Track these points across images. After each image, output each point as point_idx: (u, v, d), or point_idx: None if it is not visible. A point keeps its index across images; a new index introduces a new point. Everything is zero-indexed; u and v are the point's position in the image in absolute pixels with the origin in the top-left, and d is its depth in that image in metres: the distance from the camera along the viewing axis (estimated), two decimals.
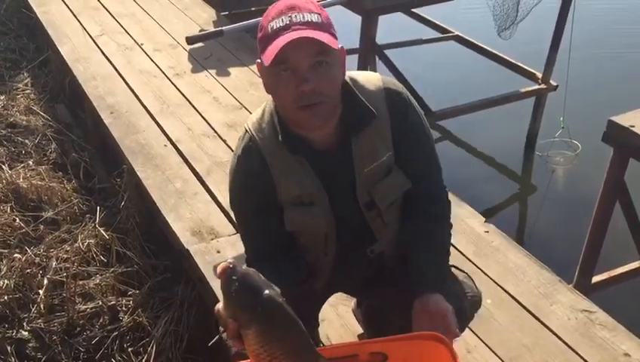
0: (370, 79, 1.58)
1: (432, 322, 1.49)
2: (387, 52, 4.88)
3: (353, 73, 1.58)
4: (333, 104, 1.48)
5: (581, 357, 2.10)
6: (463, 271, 1.80)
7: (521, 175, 4.97)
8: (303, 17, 1.40)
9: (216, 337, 1.40)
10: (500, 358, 2.11)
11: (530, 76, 4.82)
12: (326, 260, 1.67)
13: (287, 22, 1.39)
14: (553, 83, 4.73)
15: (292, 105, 1.43)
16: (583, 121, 4.72)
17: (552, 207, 4.54)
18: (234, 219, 1.69)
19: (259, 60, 1.47)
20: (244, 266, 1.27)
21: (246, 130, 1.59)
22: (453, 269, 1.77)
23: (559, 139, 4.56)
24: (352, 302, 2.22)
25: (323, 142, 1.54)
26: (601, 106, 4.98)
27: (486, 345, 2.15)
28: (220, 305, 1.29)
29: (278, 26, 1.40)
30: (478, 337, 2.17)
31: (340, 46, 1.44)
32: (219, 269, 1.25)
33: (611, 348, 2.13)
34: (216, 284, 2.40)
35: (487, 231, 2.67)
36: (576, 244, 3.75)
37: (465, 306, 1.69)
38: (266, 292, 1.23)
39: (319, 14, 1.42)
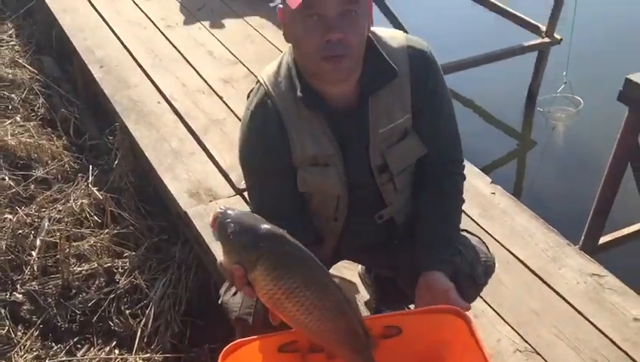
0: (395, 36, 1.51)
1: (435, 300, 1.45)
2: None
3: (377, 29, 1.50)
4: (358, 58, 1.40)
5: (591, 323, 2.06)
6: (476, 236, 1.75)
7: (521, 131, 4.88)
8: None
9: (221, 298, 1.34)
10: (508, 324, 2.07)
11: (534, 29, 4.67)
12: (335, 225, 1.61)
13: None
14: (557, 36, 4.58)
15: (315, 56, 1.34)
16: (586, 77, 4.61)
17: (551, 163, 4.47)
18: (243, 176, 1.60)
19: (281, 5, 1.38)
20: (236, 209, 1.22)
21: (260, 84, 1.49)
22: (465, 234, 1.72)
23: (561, 95, 4.46)
24: (358, 266, 2.15)
25: (341, 100, 1.46)
26: (604, 62, 4.90)
27: (494, 309, 2.11)
28: (221, 259, 1.23)
29: None
30: (486, 302, 2.13)
31: None
32: (211, 218, 1.20)
33: (621, 313, 2.10)
34: (216, 247, 2.33)
35: (494, 193, 2.60)
36: (575, 203, 3.71)
37: (479, 273, 1.64)
38: (265, 226, 1.19)
39: None
